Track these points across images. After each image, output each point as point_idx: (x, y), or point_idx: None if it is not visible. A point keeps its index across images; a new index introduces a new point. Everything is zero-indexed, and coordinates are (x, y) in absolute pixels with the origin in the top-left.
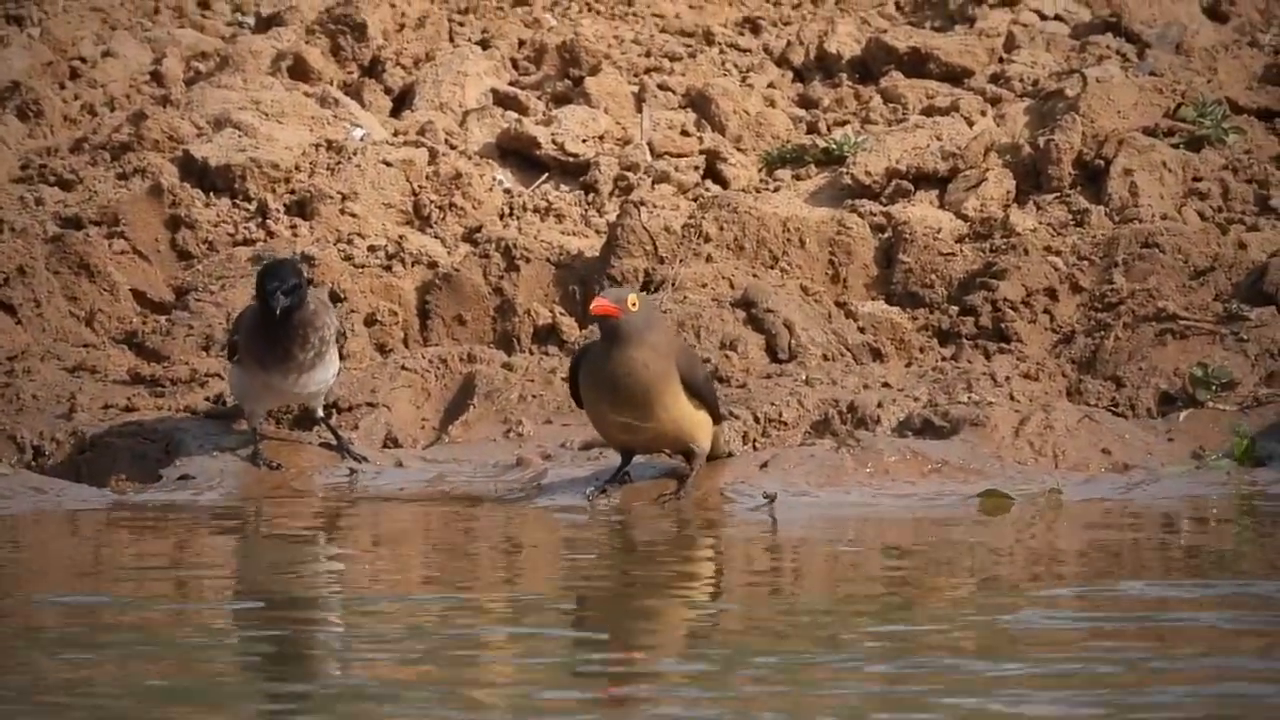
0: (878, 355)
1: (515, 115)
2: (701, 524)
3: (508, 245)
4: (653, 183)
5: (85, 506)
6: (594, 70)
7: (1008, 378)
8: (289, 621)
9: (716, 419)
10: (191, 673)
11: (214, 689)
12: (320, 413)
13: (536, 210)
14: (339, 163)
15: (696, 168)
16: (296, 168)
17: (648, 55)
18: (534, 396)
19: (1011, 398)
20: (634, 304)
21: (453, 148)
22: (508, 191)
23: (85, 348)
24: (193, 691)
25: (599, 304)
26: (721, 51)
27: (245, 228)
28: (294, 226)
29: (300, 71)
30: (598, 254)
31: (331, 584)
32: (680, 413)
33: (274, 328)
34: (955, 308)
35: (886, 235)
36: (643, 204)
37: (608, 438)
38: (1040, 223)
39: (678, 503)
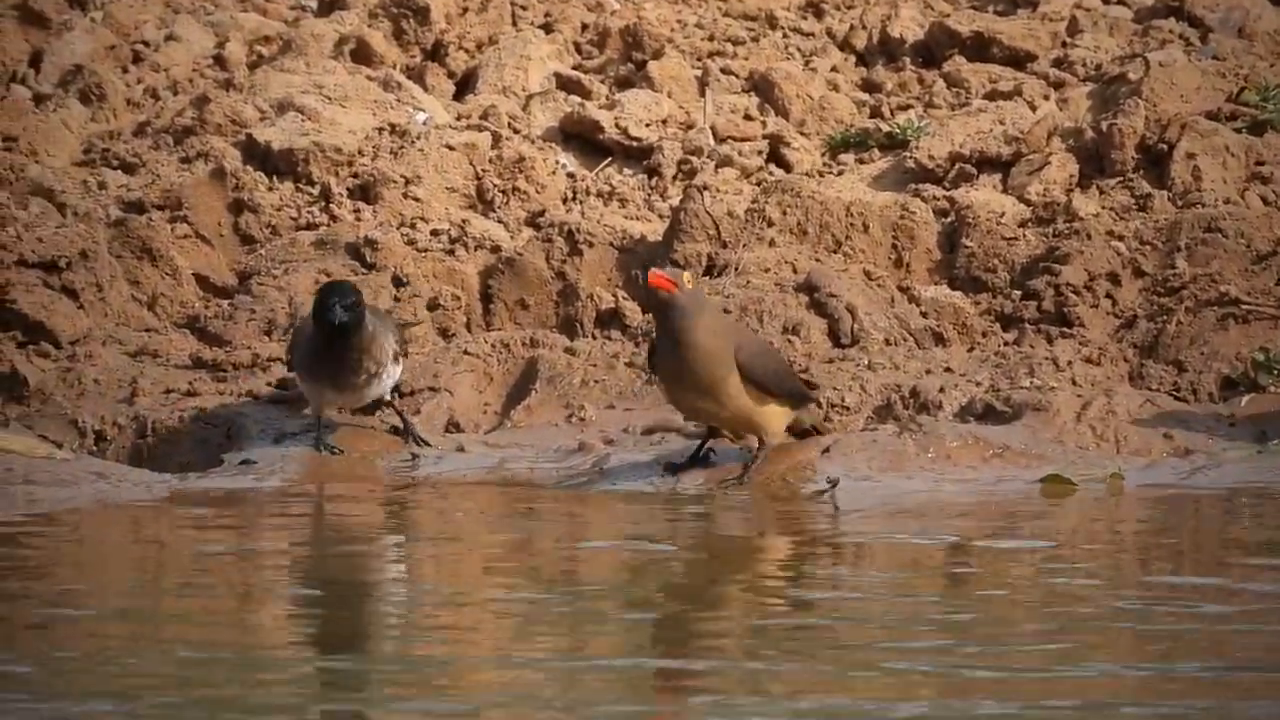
0: (940, 340)
1: (578, 99)
2: (763, 510)
3: (570, 229)
4: (716, 167)
5: (146, 493)
6: (657, 54)
7: (1069, 362)
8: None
9: (797, 405)
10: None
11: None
12: (388, 396)
13: (599, 194)
14: (402, 147)
15: (759, 152)
16: (359, 152)
17: (711, 39)
18: (596, 381)
19: (1073, 382)
20: (690, 281)
21: (516, 131)
22: (570, 175)
23: (147, 332)
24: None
25: (656, 274)
26: (784, 35)
27: (308, 212)
28: (357, 210)
29: (363, 55)
30: (660, 238)
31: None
32: (743, 403)
33: (330, 349)
34: (1018, 292)
35: (949, 220)
36: (706, 188)
37: (683, 412)
38: (1103, 207)
39: (740, 487)
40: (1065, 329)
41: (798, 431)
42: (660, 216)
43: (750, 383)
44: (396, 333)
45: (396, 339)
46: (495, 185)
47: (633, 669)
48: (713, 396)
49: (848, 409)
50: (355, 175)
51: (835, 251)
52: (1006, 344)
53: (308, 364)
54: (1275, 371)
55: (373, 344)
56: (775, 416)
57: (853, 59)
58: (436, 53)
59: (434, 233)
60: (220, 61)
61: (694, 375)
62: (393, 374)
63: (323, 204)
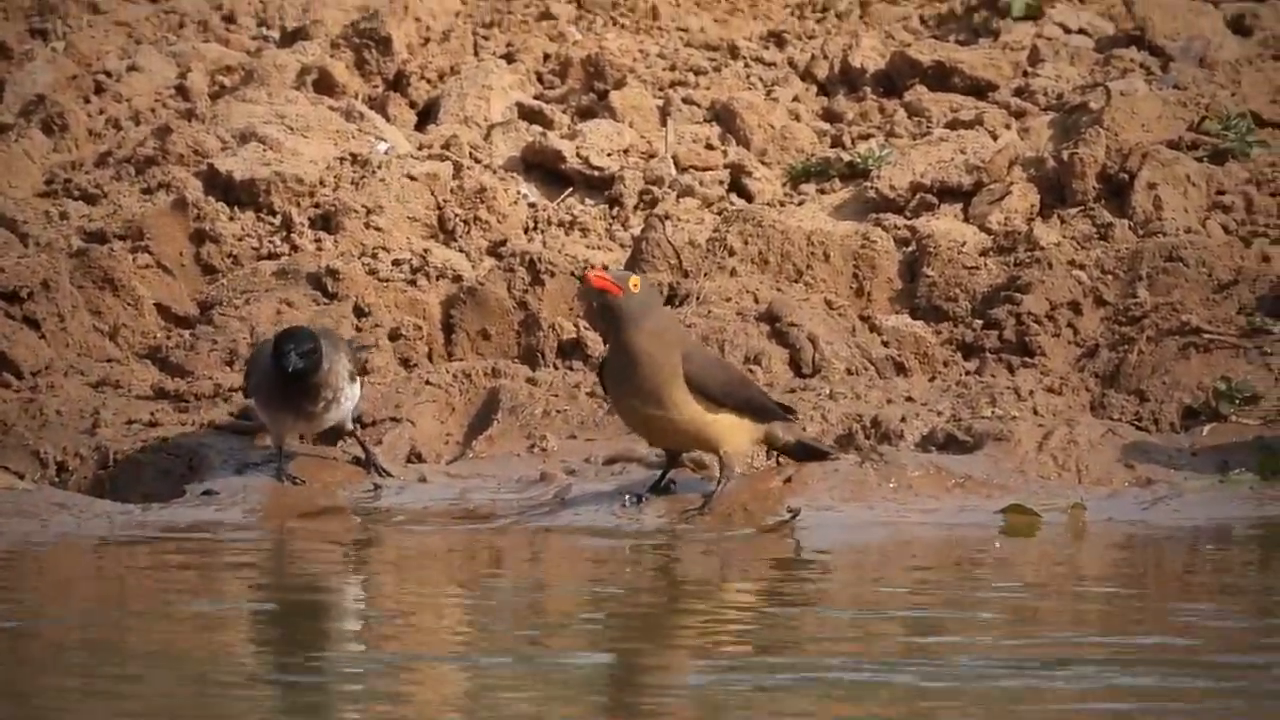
0: (901, 369)
1: (540, 129)
2: (723, 541)
3: (532, 259)
4: (677, 196)
5: (108, 524)
6: (619, 84)
7: (1031, 392)
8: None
9: (761, 419)
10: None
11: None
12: (350, 425)
13: (561, 224)
14: (363, 176)
15: (721, 181)
16: (321, 182)
17: (672, 69)
18: (558, 411)
19: (1035, 412)
20: (635, 285)
21: (477, 161)
22: (532, 205)
23: (109, 362)
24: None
25: (597, 275)
26: (746, 65)
27: (270, 242)
28: (318, 240)
29: (325, 85)
30: (622, 268)
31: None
32: (692, 412)
33: (289, 387)
34: (979, 321)
35: (910, 249)
36: (667, 218)
37: (633, 428)
38: (1064, 236)
39: (702, 517)
40: (1027, 358)
41: (784, 448)
42: (622, 246)
43: (698, 392)
44: (350, 352)
45: (350, 359)
46: (457, 215)
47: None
48: (657, 403)
49: None
50: (317, 205)
51: (797, 281)
52: (968, 373)
53: (265, 395)
54: (1237, 401)
55: (329, 376)
56: (732, 430)
57: (814, 88)
58: (398, 83)
59: (395, 262)
60: (182, 91)
61: (637, 379)
62: (350, 395)
63: (284, 234)
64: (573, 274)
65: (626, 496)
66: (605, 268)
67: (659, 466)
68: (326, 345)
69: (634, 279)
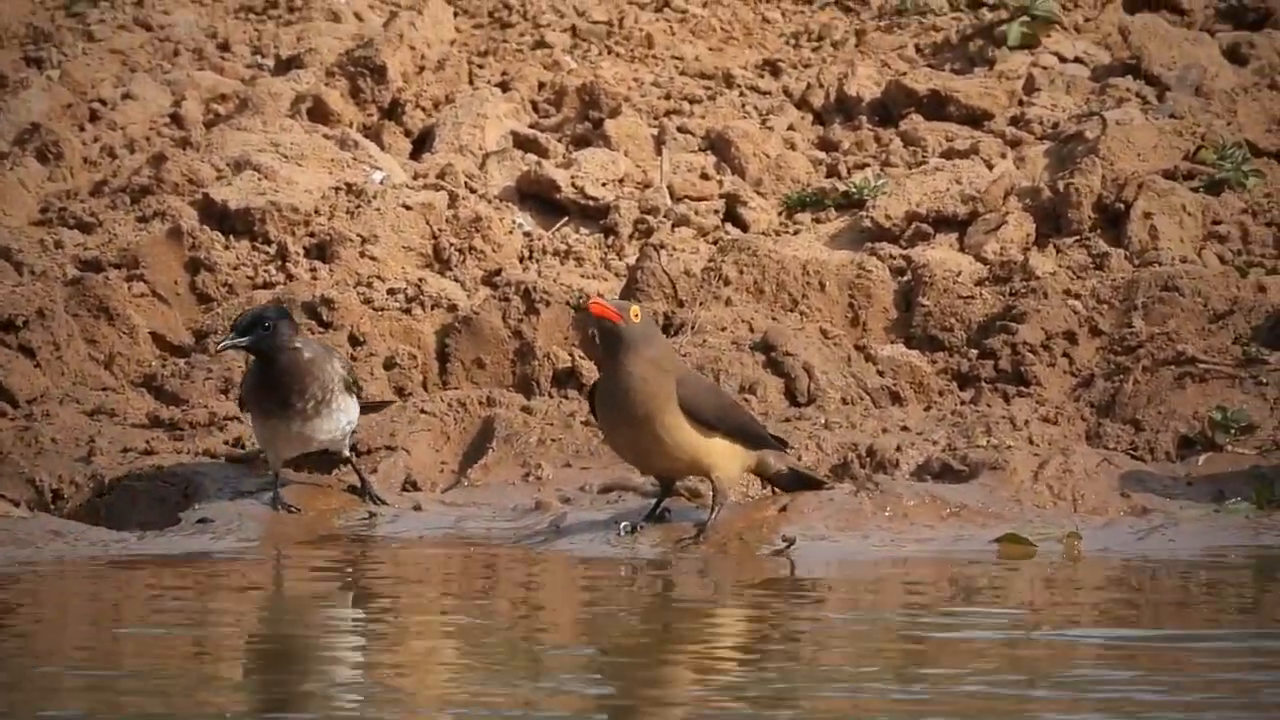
0: (897, 399)
1: (535, 158)
2: (716, 570)
3: (527, 289)
4: (673, 226)
5: (103, 552)
6: (614, 112)
7: (1027, 421)
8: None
9: (753, 446)
10: None
11: None
12: (346, 452)
13: (556, 253)
14: (359, 206)
15: (716, 211)
16: (316, 211)
17: (668, 97)
18: (553, 440)
19: (1030, 441)
20: (636, 315)
21: (472, 191)
22: (527, 234)
23: (104, 391)
24: None
25: (598, 303)
26: (741, 94)
27: (265, 271)
28: (314, 269)
29: (320, 113)
30: (617, 297)
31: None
32: (684, 436)
33: (269, 376)
34: (974, 351)
35: (906, 278)
36: (662, 247)
37: (623, 455)
38: (1060, 266)
39: (696, 545)
40: (1022, 388)
41: (776, 476)
42: (617, 275)
43: (691, 416)
44: (346, 364)
45: (345, 368)
46: (452, 244)
47: None
48: (650, 427)
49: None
50: (312, 234)
51: (792, 310)
52: (963, 403)
53: (253, 396)
54: (1232, 430)
55: (313, 366)
56: (725, 455)
57: (810, 117)
58: (393, 111)
59: (390, 291)
60: (177, 120)
61: (631, 404)
62: (345, 408)
63: (279, 263)
64: (568, 303)
65: (621, 525)
66: (602, 296)
67: (654, 495)
68: (318, 349)
69: (634, 308)
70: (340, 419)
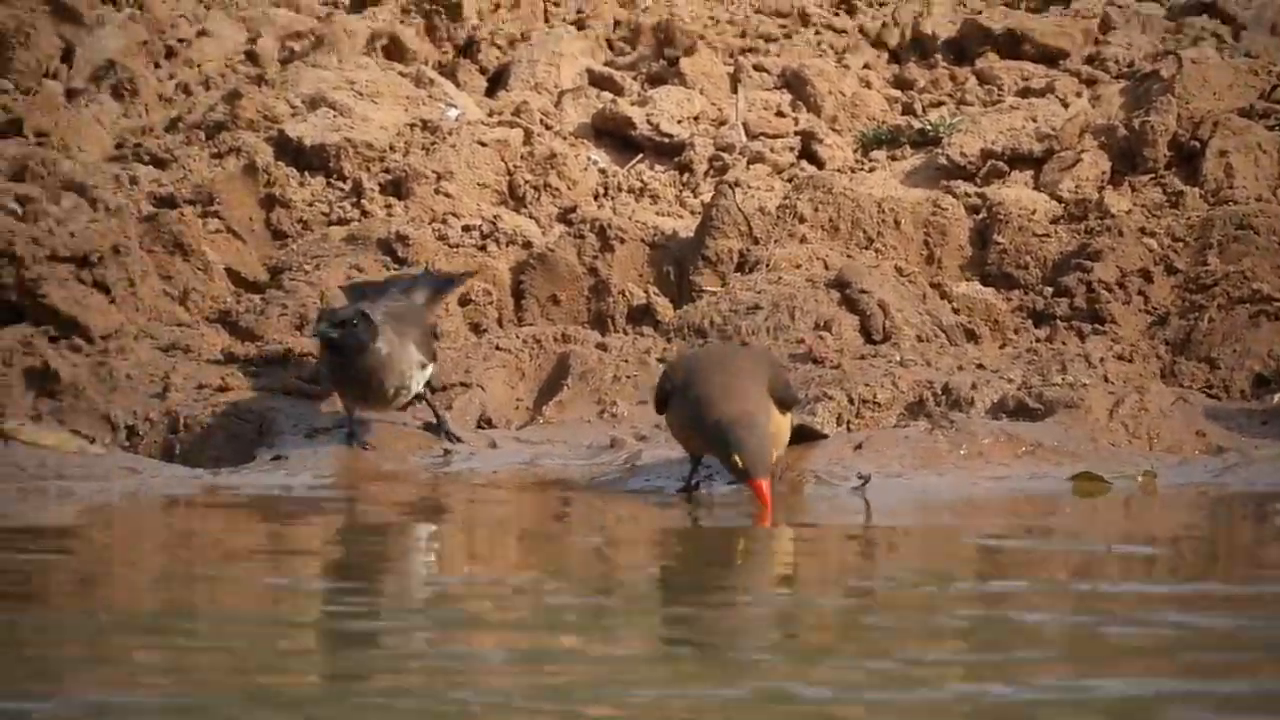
0: (972, 336)
1: (610, 95)
2: (793, 507)
3: (602, 225)
4: (747, 163)
5: (178, 488)
6: (689, 51)
7: (1102, 359)
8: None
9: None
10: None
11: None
12: (422, 389)
13: (631, 190)
14: (434, 142)
15: (791, 148)
16: (391, 147)
17: (743, 35)
18: (628, 377)
19: (1106, 379)
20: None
21: (548, 128)
22: (602, 172)
23: (179, 327)
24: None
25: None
26: (817, 32)
27: (340, 207)
28: (388, 206)
29: (395, 51)
30: (692, 234)
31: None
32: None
33: (346, 369)
34: (1050, 289)
35: (981, 216)
36: (737, 184)
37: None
38: (1135, 204)
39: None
40: (1097, 326)
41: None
42: (692, 213)
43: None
44: (420, 338)
45: (420, 347)
46: (527, 181)
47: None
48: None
49: (880, 405)
50: (387, 171)
51: (867, 248)
52: (1038, 341)
53: (332, 380)
54: None
55: (389, 365)
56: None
57: (885, 56)
58: (468, 49)
59: (465, 228)
60: (252, 57)
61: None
62: (421, 380)
63: (354, 199)
64: (643, 241)
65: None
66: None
67: None
68: (390, 330)
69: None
70: (416, 390)
